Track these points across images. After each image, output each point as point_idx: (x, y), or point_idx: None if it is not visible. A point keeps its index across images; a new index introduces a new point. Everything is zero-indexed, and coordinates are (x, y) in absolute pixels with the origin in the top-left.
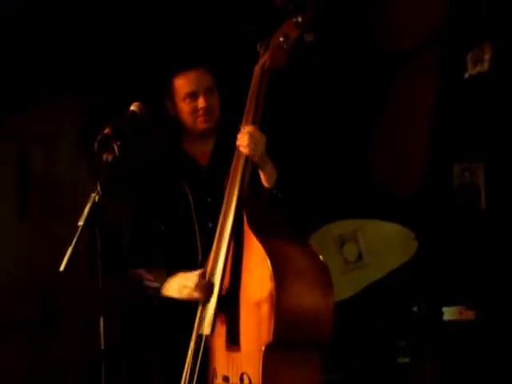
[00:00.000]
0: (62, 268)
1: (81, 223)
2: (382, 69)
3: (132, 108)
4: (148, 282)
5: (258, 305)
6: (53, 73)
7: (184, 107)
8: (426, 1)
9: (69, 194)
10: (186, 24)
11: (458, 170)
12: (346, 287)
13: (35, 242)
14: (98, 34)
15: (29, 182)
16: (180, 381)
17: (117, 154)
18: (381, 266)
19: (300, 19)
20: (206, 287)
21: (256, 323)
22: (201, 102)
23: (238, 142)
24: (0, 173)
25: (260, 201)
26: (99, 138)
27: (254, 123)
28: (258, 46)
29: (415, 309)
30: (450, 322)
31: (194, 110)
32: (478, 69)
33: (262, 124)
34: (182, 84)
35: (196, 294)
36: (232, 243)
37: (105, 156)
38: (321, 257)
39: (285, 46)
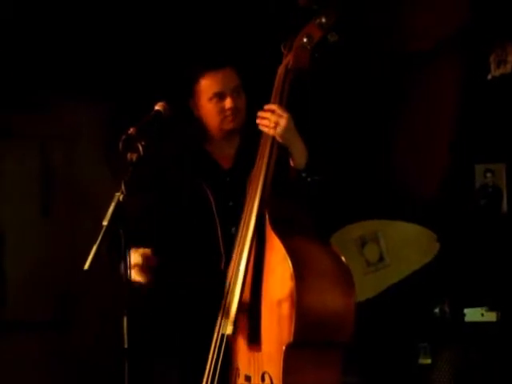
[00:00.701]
0: (86, 267)
1: (105, 223)
2: (403, 70)
3: (157, 108)
4: None
5: (279, 304)
6: (74, 73)
7: (211, 107)
8: (448, 2)
9: (90, 192)
10: (212, 24)
11: (480, 171)
12: (367, 288)
13: (58, 241)
14: (120, 33)
15: (51, 181)
16: (201, 381)
17: (141, 153)
18: (402, 267)
19: (324, 20)
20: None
21: (277, 323)
22: (228, 103)
23: (257, 120)
24: (22, 172)
25: (283, 200)
26: (124, 137)
27: None
28: (282, 47)
29: (437, 310)
30: (471, 323)
31: (221, 111)
32: (500, 70)
33: None
34: (210, 84)
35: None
36: (254, 244)
37: (129, 155)
38: (343, 258)
39: (308, 47)
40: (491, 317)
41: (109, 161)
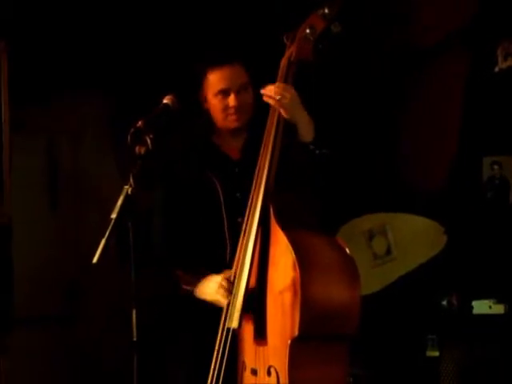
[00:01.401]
0: (94, 260)
1: (114, 216)
2: (411, 62)
3: (165, 101)
4: (184, 285)
5: (282, 294)
6: (80, 68)
7: (216, 103)
8: None
9: (97, 186)
10: (217, 18)
11: (488, 163)
12: (375, 281)
13: (65, 235)
14: (128, 27)
15: (57, 175)
16: (206, 376)
17: (149, 146)
18: (410, 260)
19: (327, 10)
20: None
21: (282, 316)
22: (231, 101)
23: (262, 91)
24: (29, 166)
25: (288, 194)
26: (132, 130)
27: None
28: (285, 39)
29: (444, 302)
30: (479, 315)
31: (225, 108)
32: (508, 63)
33: None
34: (216, 79)
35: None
36: (259, 237)
37: (137, 149)
38: (347, 249)
39: (311, 38)
40: (499, 309)
41: (116, 155)
